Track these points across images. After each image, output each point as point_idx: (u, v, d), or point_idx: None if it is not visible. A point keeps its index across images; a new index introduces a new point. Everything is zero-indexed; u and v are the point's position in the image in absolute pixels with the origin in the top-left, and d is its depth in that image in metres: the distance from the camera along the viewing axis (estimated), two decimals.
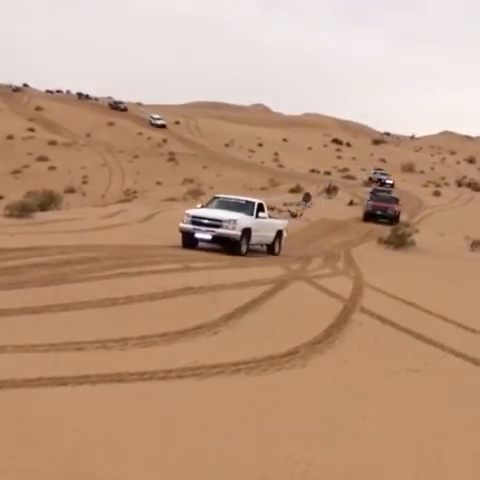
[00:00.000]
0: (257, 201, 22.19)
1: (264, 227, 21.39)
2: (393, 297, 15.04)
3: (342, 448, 6.38)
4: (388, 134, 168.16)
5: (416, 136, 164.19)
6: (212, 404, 7.07)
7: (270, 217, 23.42)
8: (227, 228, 19.84)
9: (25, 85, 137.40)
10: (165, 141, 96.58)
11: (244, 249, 20.21)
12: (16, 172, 69.92)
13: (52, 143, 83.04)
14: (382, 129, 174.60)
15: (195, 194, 52.48)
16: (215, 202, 22.13)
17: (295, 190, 57.50)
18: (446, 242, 31.16)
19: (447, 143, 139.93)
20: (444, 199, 58.93)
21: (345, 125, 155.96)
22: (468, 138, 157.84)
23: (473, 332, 12.44)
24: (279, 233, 22.26)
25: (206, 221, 20.06)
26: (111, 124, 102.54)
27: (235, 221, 19.97)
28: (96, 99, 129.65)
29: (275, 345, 9.62)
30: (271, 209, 37.32)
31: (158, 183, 68.76)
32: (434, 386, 9.01)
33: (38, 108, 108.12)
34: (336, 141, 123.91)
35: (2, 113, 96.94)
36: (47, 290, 11.63)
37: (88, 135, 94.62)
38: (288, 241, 23.66)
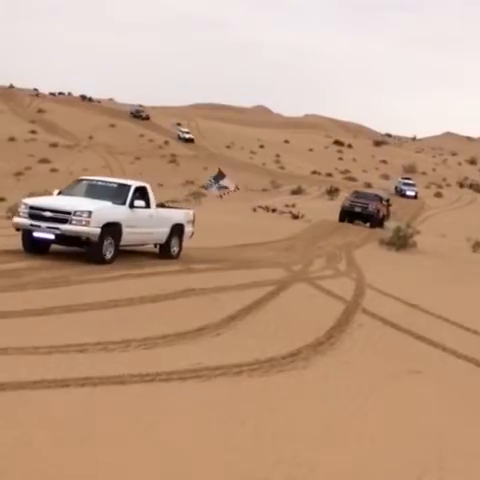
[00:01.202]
0: (135, 184, 16.58)
1: (147, 221, 16.28)
2: (395, 298, 15.05)
3: (344, 449, 6.39)
4: (389, 135, 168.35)
5: (417, 137, 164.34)
6: (214, 406, 7.08)
7: (165, 206, 19.09)
8: (77, 223, 14.36)
9: (11, 86, 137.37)
10: (166, 143, 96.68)
11: (109, 254, 14.93)
12: (18, 174, 69.96)
13: (54, 145, 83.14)
14: (383, 130, 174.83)
15: (196, 195, 52.49)
16: (78, 186, 16.60)
17: (296, 191, 57.54)
18: (448, 243, 31.15)
19: (449, 144, 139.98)
20: (446, 200, 58.92)
21: (346, 126, 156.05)
22: (470, 139, 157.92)
23: (475, 333, 12.44)
24: (177, 228, 17.44)
25: (48, 214, 14.53)
26: (112, 126, 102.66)
27: (90, 213, 14.43)
28: (99, 101, 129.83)
29: (277, 347, 9.63)
30: (272, 210, 37.36)
31: (160, 185, 68.65)
32: (436, 387, 9.01)
33: (40, 110, 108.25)
34: (337, 142, 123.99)
35: (4, 115, 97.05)
36: (49, 292, 11.64)
37: (90, 137, 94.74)
38: (290, 242, 23.49)
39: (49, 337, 8.71)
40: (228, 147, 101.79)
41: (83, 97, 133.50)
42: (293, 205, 42.05)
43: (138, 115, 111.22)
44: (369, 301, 14.19)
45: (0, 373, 7.08)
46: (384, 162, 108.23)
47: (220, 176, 30.39)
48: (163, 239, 17.05)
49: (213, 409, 6.97)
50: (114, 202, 15.58)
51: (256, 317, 11.65)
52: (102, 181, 17.04)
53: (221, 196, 30.99)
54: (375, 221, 32.84)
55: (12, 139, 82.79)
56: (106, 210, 15.14)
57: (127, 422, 6.31)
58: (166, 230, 17.01)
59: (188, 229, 18.09)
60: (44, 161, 75.68)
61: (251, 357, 8.86)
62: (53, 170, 72.67)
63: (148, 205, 16.44)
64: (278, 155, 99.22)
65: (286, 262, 19.52)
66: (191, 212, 18.85)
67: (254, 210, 36.86)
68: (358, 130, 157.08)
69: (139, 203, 15.91)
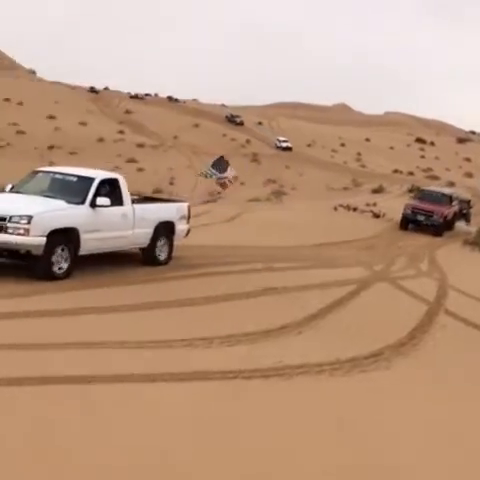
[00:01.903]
0: (101, 176, 13.28)
1: (119, 222, 13.11)
2: (478, 300, 14.75)
3: (436, 451, 6.36)
4: (474, 132, 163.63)
5: None
6: (297, 404, 7.17)
7: (150, 199, 15.84)
8: (14, 232, 11.29)
9: (106, 88, 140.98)
10: (248, 142, 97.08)
11: (59, 269, 11.79)
12: None
13: (140, 145, 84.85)
14: (467, 127, 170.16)
15: (278, 194, 52.62)
16: (33, 181, 13.50)
17: (378, 190, 56.78)
18: None
19: None
20: None
21: (428, 124, 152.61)
22: None
23: None
24: (164, 227, 14.39)
25: None
26: (196, 126, 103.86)
27: (29, 218, 11.33)
28: (184, 102, 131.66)
29: (359, 346, 9.63)
30: (353, 209, 37.04)
31: (242, 184, 69.13)
32: None
33: (127, 111, 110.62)
34: (419, 140, 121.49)
35: (94, 116, 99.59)
36: (134, 289, 11.97)
37: (175, 137, 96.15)
38: (371, 241, 23.16)
39: (136, 333, 8.99)
40: (309, 146, 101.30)
41: (170, 98, 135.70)
42: (374, 204, 41.52)
43: (233, 120, 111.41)
44: (452, 302, 13.96)
45: (91, 366, 7.38)
46: (468, 160, 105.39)
47: (222, 164, 25.08)
48: (145, 242, 13.95)
49: (295, 408, 7.06)
50: (70, 201, 12.32)
51: (337, 316, 11.67)
52: (60, 173, 13.50)
53: (222, 187, 26.54)
54: (440, 230, 29.22)
55: (101, 139, 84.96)
56: (54, 213, 11.82)
57: (210, 418, 6.46)
58: (148, 231, 13.93)
59: (181, 227, 15.00)
60: (131, 161, 77.39)
61: (332, 356, 8.91)
62: (139, 169, 74.17)
63: (120, 202, 13.23)
64: (359, 153, 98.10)
65: (367, 261, 19.38)
66: (185, 205, 15.54)
67: (335, 209, 36.60)
68: (441, 127, 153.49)
69: (103, 201, 12.54)
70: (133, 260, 14.28)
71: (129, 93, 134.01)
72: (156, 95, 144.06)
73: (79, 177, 13.07)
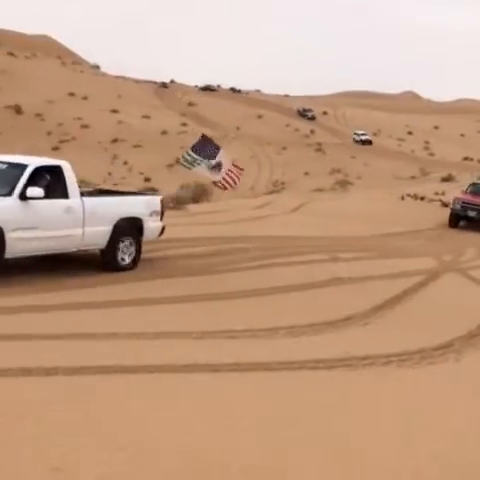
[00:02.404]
0: (36, 163, 10.97)
1: (60, 218, 10.90)
2: None
3: None
4: None
5: None
6: (363, 395, 7.02)
7: (106, 193, 13.32)
8: None
9: (172, 81, 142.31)
10: (312, 132, 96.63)
11: None
12: (170, 166, 72.55)
13: None
14: None
15: (343, 184, 52.15)
16: None
17: (447, 179, 55.67)
18: None
19: None
20: None
21: None
22: None
23: None
24: (128, 225, 12.04)
25: None
26: (260, 117, 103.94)
27: None
28: (247, 93, 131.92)
29: (427, 338, 9.38)
30: (421, 198, 36.36)
31: (306, 174, 68.97)
32: None
33: (190, 103, 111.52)
34: None
35: (157, 109, 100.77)
36: (198, 280, 12.01)
37: (238, 128, 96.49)
38: (440, 231, 22.70)
39: (199, 323, 8.99)
40: (375, 135, 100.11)
41: (232, 89, 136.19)
42: (443, 193, 40.72)
43: (304, 114, 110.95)
44: None
45: (158, 356, 7.40)
46: None
47: (208, 147, 18.74)
48: (101, 243, 11.69)
49: (362, 399, 6.92)
50: None
51: (405, 307, 11.42)
52: None
53: (223, 185, 19.08)
54: None
55: (164, 132, 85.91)
56: None
57: (275, 409, 6.39)
58: (104, 229, 11.63)
59: (152, 224, 12.62)
60: None
61: (400, 348, 8.70)
62: None
63: (64, 194, 11.03)
64: (427, 141, 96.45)
65: (436, 251, 18.94)
66: (157, 199, 13.14)
67: (402, 198, 36.04)
68: None
69: (36, 192, 10.29)
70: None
71: (196, 86, 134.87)
72: (219, 87, 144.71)
73: (9, 164, 10.90)
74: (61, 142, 79.88)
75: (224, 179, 18.55)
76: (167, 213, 22.50)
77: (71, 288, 10.40)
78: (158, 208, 12.91)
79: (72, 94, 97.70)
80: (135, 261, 12.22)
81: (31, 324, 8.29)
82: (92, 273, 11.51)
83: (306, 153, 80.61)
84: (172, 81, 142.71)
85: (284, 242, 17.92)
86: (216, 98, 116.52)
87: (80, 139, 79.64)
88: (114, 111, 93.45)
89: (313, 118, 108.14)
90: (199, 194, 30.49)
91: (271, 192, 52.73)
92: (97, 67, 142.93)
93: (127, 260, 12.10)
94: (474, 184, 28.64)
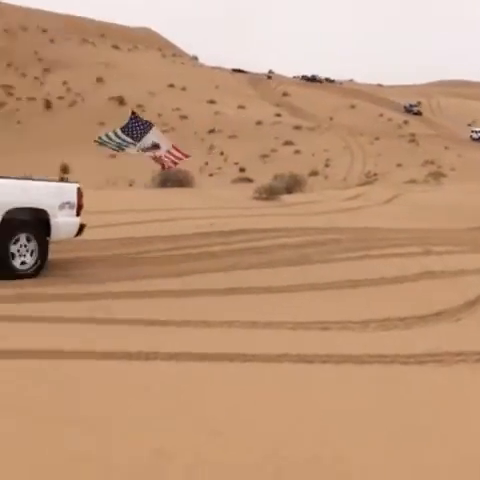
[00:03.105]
0: None
1: None
2: None
3: None
4: None
5: None
6: (454, 392, 7.01)
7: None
8: None
9: (270, 72, 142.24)
10: (406, 122, 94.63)
11: None
12: (264, 156, 72.78)
13: (297, 127, 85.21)
14: None
15: (436, 176, 51.01)
16: None
17: None
18: None
19: None
20: None
21: None
22: None
23: None
24: (28, 221, 9.69)
25: None
26: (353, 107, 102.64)
27: None
28: (340, 83, 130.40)
29: None
30: None
31: (398, 165, 67.71)
32: None
33: (285, 94, 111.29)
34: None
35: (252, 100, 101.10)
36: (292, 270, 12.16)
37: (331, 118, 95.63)
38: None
39: (293, 314, 9.15)
40: (470, 125, 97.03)
41: (326, 79, 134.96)
42: None
43: (410, 110, 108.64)
44: None
45: (252, 345, 7.61)
46: None
47: (137, 126, 16.06)
48: None
49: (452, 395, 6.91)
50: None
51: None
52: None
53: (162, 165, 17.89)
54: None
55: (259, 123, 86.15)
56: None
57: (366, 402, 6.46)
58: None
59: (63, 220, 10.08)
60: (288, 143, 77.96)
61: None
62: (296, 152, 74.52)
63: None
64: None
65: None
66: (72, 188, 10.49)
67: None
68: None
69: None
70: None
71: (295, 77, 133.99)
72: (313, 77, 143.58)
73: None
74: (161, 132, 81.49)
75: (163, 157, 17.17)
76: (261, 203, 22.85)
77: (186, 274, 10.70)
78: (73, 199, 10.22)
79: (172, 85, 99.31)
80: (38, 265, 9.70)
81: (139, 309, 8.64)
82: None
83: (399, 144, 79.07)
84: (270, 72, 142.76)
85: (377, 234, 17.80)
86: (310, 88, 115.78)
87: (179, 130, 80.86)
88: (211, 102, 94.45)
89: (419, 113, 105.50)
90: (293, 185, 30.58)
91: (364, 183, 52.13)
92: (196, 59, 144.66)
93: (27, 264, 9.60)
94: None
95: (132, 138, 16.09)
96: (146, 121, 16.88)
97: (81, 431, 4.86)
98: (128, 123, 16.28)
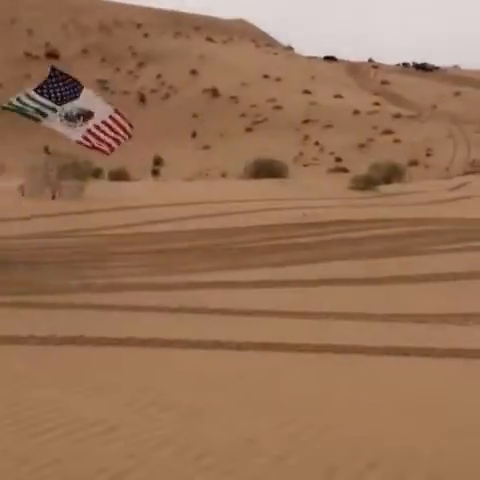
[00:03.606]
0: None
1: None
2: None
3: None
4: None
5: None
6: None
7: None
8: None
9: (370, 60, 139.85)
10: None
11: None
12: (361, 146, 71.80)
13: (397, 116, 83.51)
14: None
15: None
16: None
17: None
18: None
19: None
20: None
21: None
22: None
23: None
24: None
25: None
26: (457, 94, 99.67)
27: None
28: (445, 70, 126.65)
29: None
30: None
31: None
32: None
33: (384, 82, 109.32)
34: None
35: (349, 88, 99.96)
36: (389, 261, 11.83)
37: (434, 106, 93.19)
38: None
39: (387, 306, 8.87)
40: None
41: (419, 66, 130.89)
42: None
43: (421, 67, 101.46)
44: None
45: (343, 337, 7.41)
46: None
47: (62, 87, 11.67)
48: None
49: None
50: None
51: None
52: None
53: (93, 146, 11.40)
54: None
55: (356, 112, 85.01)
56: None
57: (467, 396, 6.18)
58: None
59: None
60: (387, 132, 76.54)
61: None
62: (396, 141, 73.08)
63: None
64: None
65: None
66: None
67: None
68: None
69: None
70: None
71: (398, 64, 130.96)
72: (414, 64, 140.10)
73: None
74: (254, 123, 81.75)
75: (93, 136, 11.41)
76: (357, 194, 22.48)
77: (280, 265, 10.60)
78: None
79: (266, 76, 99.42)
80: None
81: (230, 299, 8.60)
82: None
83: None
84: (370, 60, 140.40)
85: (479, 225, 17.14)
86: (411, 76, 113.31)
87: (272, 120, 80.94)
88: (306, 92, 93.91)
89: None
90: (391, 175, 29.95)
91: (468, 173, 50.52)
92: (290, 48, 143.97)
93: None
94: None
95: (54, 101, 11.54)
96: (73, 80, 11.68)
97: (173, 417, 4.85)
98: (45, 81, 11.54)
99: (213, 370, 6.16)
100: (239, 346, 6.78)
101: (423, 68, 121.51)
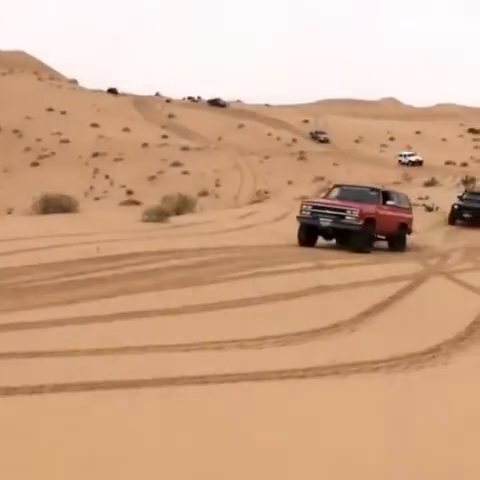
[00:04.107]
0: None
1: None
2: None
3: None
4: None
5: None
6: (353, 402, 6.95)
7: None
8: None
9: (157, 94, 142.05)
10: (295, 141, 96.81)
11: None
12: (152, 178, 72.35)
13: (185, 148, 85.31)
14: None
15: (325, 191, 52.28)
16: None
17: (430, 183, 55.90)
18: None
19: None
20: None
21: None
22: None
23: None
24: None
25: None
26: (241, 126, 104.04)
27: None
28: (228, 104, 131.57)
29: (415, 342, 9.34)
30: None
31: (289, 182, 69.02)
32: None
33: (171, 115, 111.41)
34: (473, 130, 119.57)
35: (137, 122, 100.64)
36: (185, 291, 11.91)
37: (219, 138, 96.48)
38: (426, 234, 22.63)
39: (187, 335, 8.88)
40: (357, 141, 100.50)
41: (212, 102, 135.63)
42: (426, 197, 40.89)
43: (316, 136, 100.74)
44: None
45: (146, 370, 7.27)
46: None
47: None
48: None
49: (352, 406, 6.85)
50: None
51: (392, 313, 11.38)
52: None
53: None
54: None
55: (145, 145, 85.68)
56: None
57: (267, 418, 6.31)
58: None
59: None
60: (176, 164, 77.86)
61: (388, 353, 8.64)
62: (184, 172, 74.53)
63: None
64: (409, 147, 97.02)
65: (420, 256, 18.93)
66: None
67: None
68: None
69: None
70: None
71: (184, 98, 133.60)
72: (199, 98, 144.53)
73: None
74: (41, 158, 79.44)
75: None
76: (149, 226, 22.51)
77: (76, 302, 10.23)
78: None
79: (50, 109, 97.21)
80: None
81: (19, 341, 8.14)
82: None
83: (289, 162, 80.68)
84: (157, 94, 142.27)
85: (269, 251, 17.86)
86: (196, 109, 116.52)
87: (60, 154, 79.20)
88: (94, 125, 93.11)
89: (326, 141, 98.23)
90: (182, 206, 30.40)
91: (255, 201, 52.75)
92: (75, 81, 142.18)
93: None
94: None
95: None
96: None
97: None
98: None
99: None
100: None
101: (216, 104, 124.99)
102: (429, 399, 7.33)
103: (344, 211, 19.69)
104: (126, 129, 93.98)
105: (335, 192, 22.08)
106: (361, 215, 19.50)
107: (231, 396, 6.81)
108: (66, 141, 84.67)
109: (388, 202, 21.25)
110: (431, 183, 56.13)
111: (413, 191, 46.39)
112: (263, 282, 13.21)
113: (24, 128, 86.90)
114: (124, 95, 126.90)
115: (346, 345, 9.11)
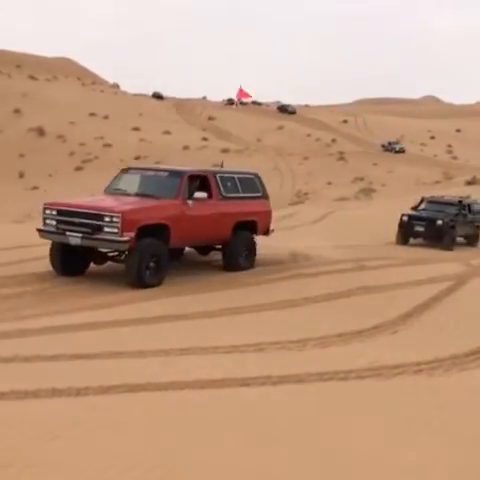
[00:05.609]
0: None
1: None
2: None
3: None
4: None
5: None
6: (395, 405, 6.96)
7: None
8: None
9: (204, 98, 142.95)
10: (334, 141, 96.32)
11: None
12: None
13: (225, 151, 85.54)
14: None
15: (366, 192, 51.91)
16: None
17: (471, 182, 55.13)
18: None
19: None
20: None
21: None
22: None
23: None
24: None
25: None
26: (280, 128, 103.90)
27: None
28: (267, 105, 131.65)
29: (458, 344, 9.29)
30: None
31: (329, 183, 68.74)
32: None
33: (210, 118, 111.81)
34: None
35: (177, 125, 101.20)
36: (224, 294, 11.98)
37: (259, 140, 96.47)
38: None
39: (228, 337, 8.96)
40: (397, 141, 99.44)
41: (253, 102, 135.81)
42: (468, 196, 40.36)
43: (391, 148, 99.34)
44: None
45: (184, 373, 7.37)
46: None
47: None
48: None
49: (394, 408, 6.85)
50: None
51: (434, 314, 11.31)
52: None
53: None
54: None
55: (186, 147, 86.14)
56: None
57: (308, 420, 6.34)
58: None
59: None
60: (216, 166, 78.06)
61: (431, 355, 8.62)
62: None
63: None
64: (450, 145, 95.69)
65: (463, 256, 18.74)
66: None
67: None
68: None
69: None
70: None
71: (225, 100, 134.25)
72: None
73: None
74: (84, 162, 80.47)
75: None
76: None
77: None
78: None
79: (93, 114, 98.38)
80: None
81: None
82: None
83: (328, 162, 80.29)
84: (204, 98, 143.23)
85: (310, 252, 17.84)
86: (236, 111, 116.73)
87: (102, 158, 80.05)
88: (135, 129, 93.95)
89: (402, 151, 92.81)
90: None
91: (295, 203, 52.68)
92: (117, 86, 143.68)
93: None
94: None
95: None
96: None
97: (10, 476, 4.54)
98: None
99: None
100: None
101: (284, 110, 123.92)
102: (471, 402, 7.29)
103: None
104: (167, 132, 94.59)
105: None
106: None
107: (272, 398, 6.85)
108: (109, 145, 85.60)
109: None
110: (473, 182, 55.32)
111: (454, 190, 45.89)
112: (304, 284, 13.21)
113: (68, 133, 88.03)
114: (165, 99, 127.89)
115: (388, 347, 9.09)
